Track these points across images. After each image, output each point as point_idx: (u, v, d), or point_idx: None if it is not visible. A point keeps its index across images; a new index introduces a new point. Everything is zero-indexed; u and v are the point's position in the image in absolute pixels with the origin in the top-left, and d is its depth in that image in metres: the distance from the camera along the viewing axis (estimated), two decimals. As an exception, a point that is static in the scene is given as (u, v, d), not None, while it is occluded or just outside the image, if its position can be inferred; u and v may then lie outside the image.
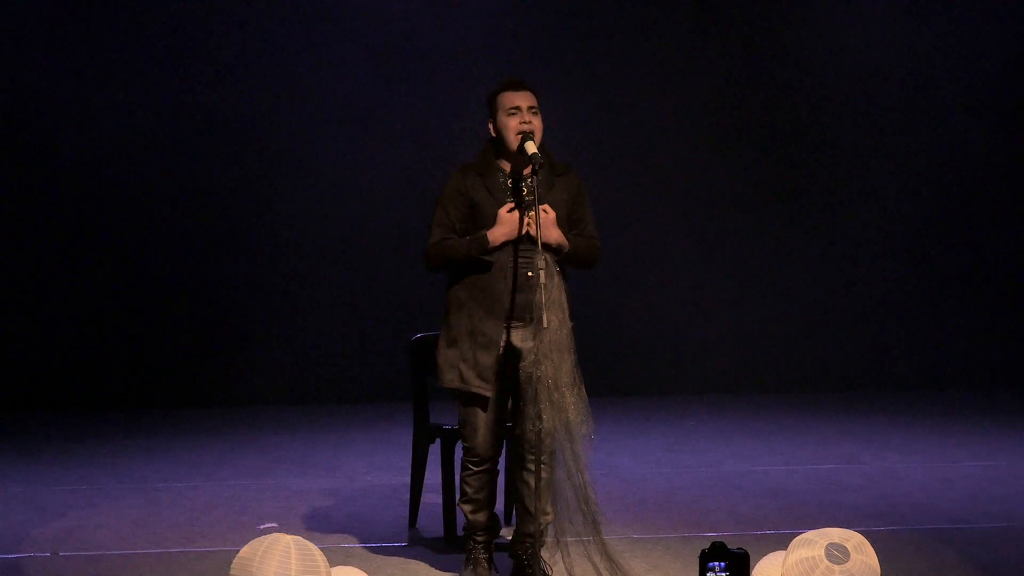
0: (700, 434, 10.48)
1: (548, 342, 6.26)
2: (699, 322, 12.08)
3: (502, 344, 6.51)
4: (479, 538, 6.73)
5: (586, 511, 6.32)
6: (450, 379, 6.60)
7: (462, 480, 6.71)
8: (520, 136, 6.47)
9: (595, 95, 11.97)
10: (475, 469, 6.66)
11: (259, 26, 11.74)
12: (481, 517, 6.71)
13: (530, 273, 6.38)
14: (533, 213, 6.39)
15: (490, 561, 6.74)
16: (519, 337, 6.48)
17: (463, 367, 6.56)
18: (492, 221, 6.50)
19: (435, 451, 7.56)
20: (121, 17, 11.61)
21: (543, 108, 6.55)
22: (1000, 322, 12.20)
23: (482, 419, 6.59)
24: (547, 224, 6.41)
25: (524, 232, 6.47)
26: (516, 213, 6.44)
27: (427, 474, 7.64)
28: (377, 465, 9.46)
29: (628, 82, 12.02)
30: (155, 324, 11.74)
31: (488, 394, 6.53)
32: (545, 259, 6.31)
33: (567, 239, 6.51)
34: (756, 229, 12.11)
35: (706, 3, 12.02)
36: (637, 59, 12.02)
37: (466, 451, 6.69)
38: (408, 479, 7.76)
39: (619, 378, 11.84)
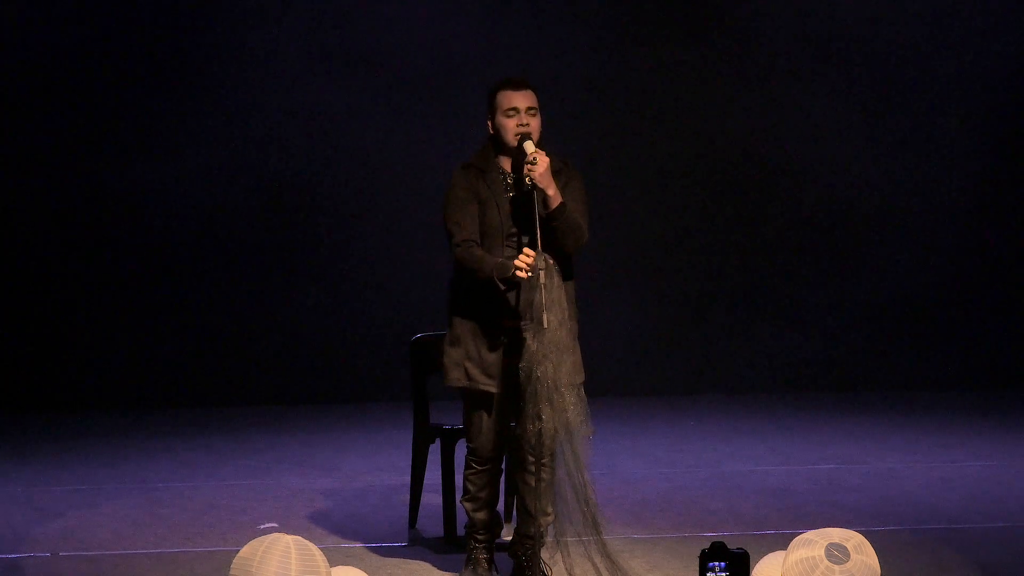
0: (700, 434, 10.48)
1: (548, 342, 6.27)
2: (699, 322, 12.08)
3: (507, 342, 6.52)
4: (480, 537, 6.73)
5: (586, 511, 6.33)
6: (456, 378, 6.60)
7: (465, 478, 6.71)
8: (519, 137, 6.49)
9: (597, 93, 11.98)
10: (478, 468, 6.67)
11: (262, 30, 11.74)
12: (483, 516, 6.71)
13: (530, 274, 6.38)
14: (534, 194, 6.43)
15: (490, 561, 6.75)
16: (523, 336, 6.48)
17: (468, 365, 6.57)
18: (492, 218, 6.51)
19: (435, 451, 7.56)
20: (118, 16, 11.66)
21: (543, 107, 6.56)
22: (1001, 322, 12.19)
23: (486, 418, 6.59)
24: (544, 173, 6.41)
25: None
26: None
27: (427, 474, 7.65)
28: (377, 465, 9.46)
29: (632, 82, 12.03)
30: (155, 324, 11.74)
31: (494, 390, 6.54)
32: (545, 259, 6.33)
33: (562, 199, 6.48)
34: (756, 229, 12.10)
35: (696, 7, 12.02)
36: (638, 56, 12.02)
37: (470, 450, 6.69)
38: (408, 479, 7.76)
39: (619, 378, 11.84)
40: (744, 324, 12.10)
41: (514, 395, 6.52)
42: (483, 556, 6.73)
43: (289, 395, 11.84)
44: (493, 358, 6.53)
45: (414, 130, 11.80)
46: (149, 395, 11.71)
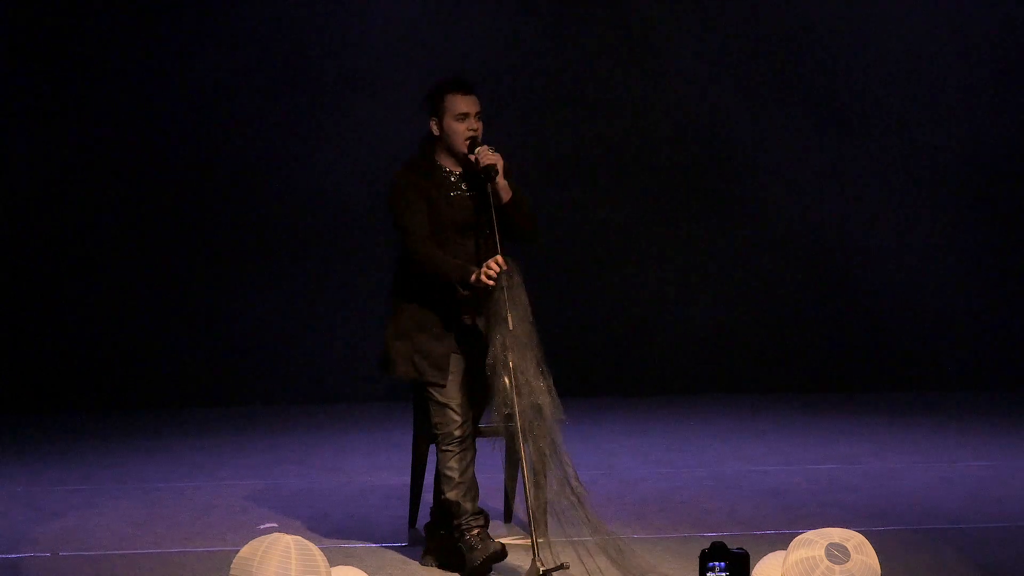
0: (700, 434, 10.47)
1: (510, 338, 6.38)
2: (699, 322, 12.06)
3: (459, 334, 6.60)
4: (475, 523, 6.71)
5: (562, 476, 6.40)
6: (404, 371, 6.73)
7: (444, 469, 6.73)
8: (468, 142, 6.63)
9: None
10: (456, 450, 6.71)
11: (266, 16, 11.75)
12: (474, 503, 6.73)
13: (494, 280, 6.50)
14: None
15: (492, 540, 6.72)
16: (479, 328, 6.55)
17: (416, 359, 6.69)
18: (443, 216, 6.66)
19: (435, 451, 7.55)
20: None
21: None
22: (1001, 323, 12.19)
23: (449, 400, 6.66)
24: (503, 181, 6.59)
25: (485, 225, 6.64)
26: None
27: (427, 474, 7.64)
28: (377, 465, 9.46)
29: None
30: (155, 324, 11.74)
31: (444, 383, 6.63)
32: (506, 259, 6.44)
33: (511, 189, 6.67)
34: (756, 228, 12.10)
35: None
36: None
37: (442, 437, 6.73)
38: (408, 479, 7.76)
39: (620, 378, 11.82)
40: (744, 323, 12.09)
41: (473, 378, 6.61)
42: (486, 538, 6.68)
43: (289, 395, 11.84)
44: (442, 351, 6.63)
45: (410, 129, 11.77)
46: (149, 395, 11.71)
